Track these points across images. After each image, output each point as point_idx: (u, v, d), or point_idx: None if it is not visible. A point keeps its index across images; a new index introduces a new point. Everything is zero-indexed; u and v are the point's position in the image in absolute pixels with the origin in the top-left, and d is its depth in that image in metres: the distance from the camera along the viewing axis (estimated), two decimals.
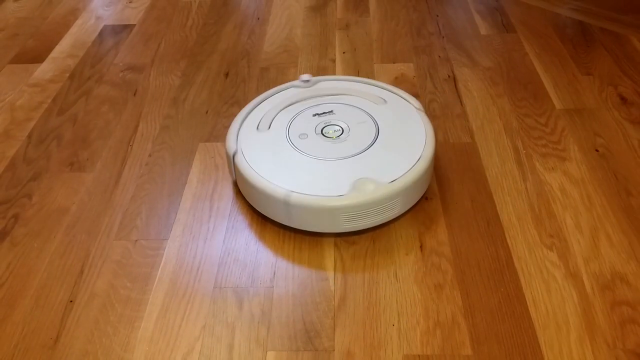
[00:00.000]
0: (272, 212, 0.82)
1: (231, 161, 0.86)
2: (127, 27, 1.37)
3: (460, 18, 1.35)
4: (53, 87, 1.17)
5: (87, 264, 0.80)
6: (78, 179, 0.94)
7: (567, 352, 0.67)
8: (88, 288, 0.77)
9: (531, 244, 0.80)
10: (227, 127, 1.04)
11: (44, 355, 0.69)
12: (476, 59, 1.20)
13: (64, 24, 1.40)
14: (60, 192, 0.92)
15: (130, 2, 1.49)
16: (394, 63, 1.19)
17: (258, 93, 1.11)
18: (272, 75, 1.17)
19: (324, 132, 0.89)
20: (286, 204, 0.79)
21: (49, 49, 1.30)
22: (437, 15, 1.36)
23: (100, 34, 1.35)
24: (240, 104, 1.09)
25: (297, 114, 0.92)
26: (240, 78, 1.17)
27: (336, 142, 0.87)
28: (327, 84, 1.00)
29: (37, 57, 1.27)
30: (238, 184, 0.87)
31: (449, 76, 1.15)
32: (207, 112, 1.08)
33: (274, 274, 0.78)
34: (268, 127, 0.90)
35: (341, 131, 0.89)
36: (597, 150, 0.95)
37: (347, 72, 1.17)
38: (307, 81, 0.98)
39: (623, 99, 1.06)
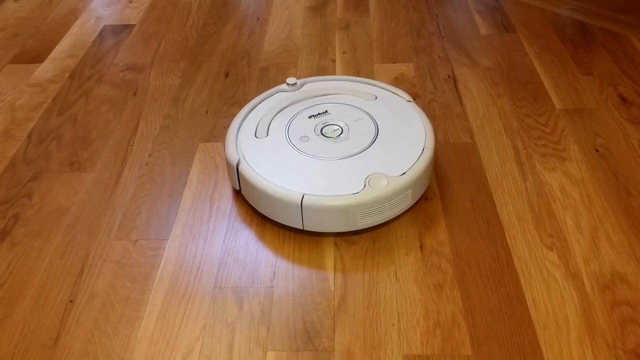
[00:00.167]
0: (287, 217, 0.82)
1: (234, 170, 0.86)
2: (127, 27, 1.37)
3: (460, 18, 1.35)
4: (53, 87, 1.17)
5: (87, 264, 0.80)
6: (78, 179, 0.94)
7: (567, 352, 0.67)
8: (88, 288, 0.77)
9: (531, 244, 0.80)
10: (227, 127, 1.04)
11: (44, 355, 0.69)
12: (476, 59, 1.20)
13: (64, 24, 1.40)
14: (60, 192, 0.92)
15: (130, 2, 1.49)
16: (394, 63, 1.19)
17: (258, 93, 1.11)
18: (272, 75, 1.17)
19: (323, 132, 0.89)
20: (301, 207, 0.79)
21: (49, 49, 1.30)
22: (437, 15, 1.36)
23: (100, 34, 1.35)
24: (240, 104, 1.09)
25: (293, 118, 0.92)
26: (240, 78, 1.17)
27: (338, 142, 0.87)
28: (314, 85, 1.00)
29: (37, 57, 1.27)
30: (244, 192, 0.87)
31: (449, 76, 1.15)
32: (207, 112, 1.08)
33: (274, 274, 0.78)
34: (266, 133, 0.90)
35: (340, 130, 0.89)
36: (597, 150, 0.95)
37: (347, 72, 1.18)
38: (294, 84, 0.98)
39: (623, 99, 1.06)
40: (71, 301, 0.75)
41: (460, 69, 1.17)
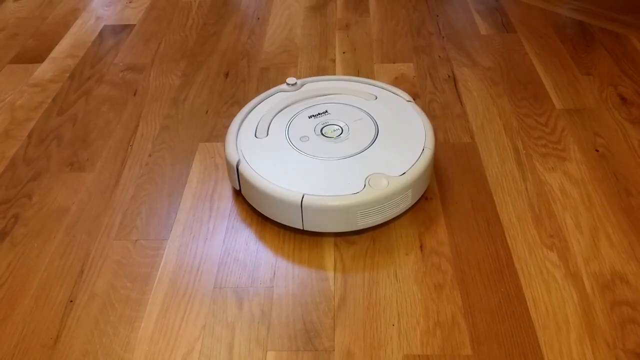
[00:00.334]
0: (287, 217, 0.81)
1: (234, 170, 0.86)
2: (127, 27, 1.37)
3: (460, 18, 1.35)
4: (53, 87, 1.17)
5: (87, 264, 0.80)
6: (78, 179, 0.94)
7: (567, 352, 0.67)
8: (88, 288, 0.77)
9: (531, 244, 0.80)
10: (227, 127, 1.04)
11: (44, 355, 0.69)
12: (476, 59, 1.20)
13: (64, 24, 1.40)
14: (60, 192, 0.92)
15: (130, 2, 1.49)
16: (394, 63, 1.19)
17: (258, 93, 1.11)
18: (272, 75, 1.17)
19: (323, 132, 0.89)
20: (301, 207, 0.79)
21: (49, 49, 1.30)
22: (437, 15, 1.36)
23: (100, 34, 1.35)
24: (240, 104, 1.09)
25: (293, 118, 0.92)
26: (240, 78, 1.17)
27: (338, 142, 0.87)
28: (314, 85, 1.00)
29: (37, 57, 1.27)
30: (244, 192, 0.87)
31: (449, 76, 1.15)
32: (207, 112, 1.08)
33: (274, 274, 0.78)
34: (266, 133, 0.90)
35: (340, 130, 0.89)
36: (597, 150, 0.95)
37: (347, 72, 1.18)
38: (294, 84, 0.98)
39: (623, 99, 1.06)
40: (71, 301, 0.75)
41: (460, 69, 1.17)
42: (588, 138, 0.98)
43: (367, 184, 0.79)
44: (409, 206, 0.84)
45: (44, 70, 1.23)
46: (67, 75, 1.21)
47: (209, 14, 1.41)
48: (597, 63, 1.16)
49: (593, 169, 0.91)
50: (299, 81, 1.00)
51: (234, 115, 1.06)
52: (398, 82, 1.13)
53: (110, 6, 1.47)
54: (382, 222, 0.82)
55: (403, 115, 0.92)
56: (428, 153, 0.84)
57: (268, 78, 1.17)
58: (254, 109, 0.95)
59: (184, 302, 0.75)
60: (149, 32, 1.35)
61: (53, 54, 1.28)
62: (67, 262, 0.81)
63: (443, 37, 1.28)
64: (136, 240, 0.83)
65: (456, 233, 0.82)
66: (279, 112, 0.94)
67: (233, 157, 0.86)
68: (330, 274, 0.77)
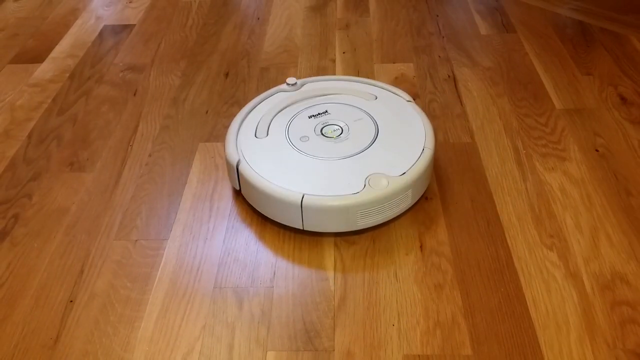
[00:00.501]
0: (287, 217, 0.81)
1: (234, 170, 0.86)
2: (127, 27, 1.37)
3: (460, 18, 1.35)
4: (53, 87, 1.17)
5: (87, 264, 0.80)
6: (78, 179, 0.94)
7: (567, 352, 0.67)
8: (88, 288, 0.77)
9: (531, 244, 0.80)
10: (227, 127, 1.04)
11: (44, 355, 0.69)
12: (476, 59, 1.20)
13: (64, 24, 1.40)
14: (60, 192, 0.92)
15: (130, 2, 1.49)
16: (394, 63, 1.19)
17: (258, 93, 1.11)
18: (272, 75, 1.17)
19: (323, 132, 0.89)
20: (301, 207, 0.79)
21: (49, 49, 1.30)
22: (437, 15, 1.36)
23: (100, 34, 1.35)
24: (240, 104, 1.09)
25: (293, 117, 0.92)
26: (240, 78, 1.17)
27: (337, 142, 0.87)
28: (314, 85, 1.00)
29: (37, 57, 1.27)
30: (244, 193, 0.87)
31: (449, 76, 1.15)
32: (207, 112, 1.08)
33: (274, 274, 0.78)
34: (266, 133, 0.90)
35: (340, 130, 0.89)
36: (597, 150, 0.95)
37: (347, 72, 1.18)
38: (294, 84, 0.98)
39: (623, 99, 1.06)
40: (71, 301, 0.75)
41: (460, 69, 1.17)
42: (588, 138, 0.98)
43: (367, 184, 0.79)
44: (409, 206, 0.84)
45: (44, 70, 1.23)
46: (67, 75, 1.21)
47: (209, 14, 1.41)
48: (597, 63, 1.16)
49: (593, 169, 0.91)
50: (299, 81, 1.00)
51: (234, 115, 1.06)
52: (398, 82, 1.13)
53: (110, 6, 1.47)
54: (382, 222, 0.82)
55: (403, 115, 0.92)
56: (428, 153, 0.84)
57: (268, 78, 1.17)
58: (254, 109, 0.95)
59: (184, 302, 0.75)
60: (149, 32, 1.35)
61: (53, 54, 1.28)
62: (67, 262, 0.81)
63: (443, 37, 1.28)
64: (136, 240, 0.83)
65: (456, 233, 0.82)
66: (279, 112, 0.94)
67: (233, 157, 0.86)
68: (330, 274, 0.77)
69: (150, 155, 0.99)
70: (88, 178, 0.94)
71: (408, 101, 0.94)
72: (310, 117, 0.92)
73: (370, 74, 1.16)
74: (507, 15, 1.35)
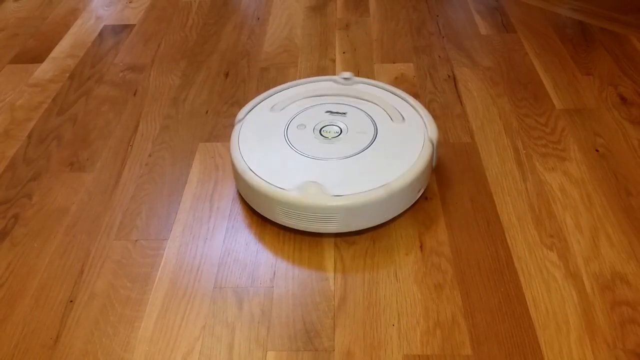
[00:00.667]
0: (239, 186, 0.87)
1: (236, 128, 0.92)
2: (127, 27, 1.37)
3: (460, 18, 1.35)
4: (53, 87, 1.17)
5: (87, 264, 0.80)
6: (78, 179, 0.94)
7: (567, 352, 0.67)
8: (88, 288, 0.77)
9: (531, 244, 0.80)
10: (227, 127, 1.04)
11: (44, 355, 0.69)
12: (476, 59, 1.20)
13: (64, 24, 1.40)
14: (60, 192, 0.92)
15: (130, 2, 1.49)
16: (394, 63, 1.19)
17: (258, 93, 1.11)
18: (272, 75, 1.17)
19: (323, 130, 0.89)
20: (242, 179, 0.83)
21: (49, 49, 1.30)
22: (437, 15, 1.36)
23: (100, 34, 1.35)
24: (240, 104, 1.09)
25: (313, 106, 0.94)
26: (240, 78, 1.17)
27: (325, 142, 0.87)
28: (363, 87, 0.99)
29: (37, 57, 1.27)
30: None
31: (449, 76, 1.15)
32: (207, 112, 1.08)
33: (274, 274, 0.78)
34: (281, 108, 0.93)
35: (339, 133, 0.89)
36: (597, 150, 0.95)
37: None
38: (348, 79, 0.99)
39: (623, 99, 1.06)
40: (71, 301, 0.75)
41: (460, 69, 1.17)
42: (588, 138, 0.98)
43: (299, 186, 0.79)
44: (332, 231, 0.80)
45: (44, 70, 1.23)
46: (67, 75, 1.21)
47: (209, 14, 1.41)
48: (597, 63, 1.16)
49: (593, 169, 0.91)
50: (354, 78, 1.00)
51: (234, 115, 1.06)
52: (398, 82, 1.13)
53: (110, 6, 1.47)
54: (305, 229, 0.81)
55: (408, 147, 0.86)
56: (379, 193, 0.79)
57: (268, 78, 1.17)
58: (298, 86, 0.99)
59: (184, 302, 0.75)
60: (149, 32, 1.35)
61: (53, 54, 1.28)
62: (67, 262, 0.81)
63: (443, 37, 1.28)
64: (136, 240, 0.83)
65: (456, 233, 0.82)
66: (310, 97, 0.96)
67: (240, 115, 0.93)
68: (330, 274, 0.77)
69: (150, 155, 0.99)
70: (88, 178, 0.94)
71: (429, 138, 0.87)
72: (327, 112, 0.93)
73: (370, 74, 1.16)
74: (507, 15, 1.35)
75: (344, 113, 0.92)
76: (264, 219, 0.85)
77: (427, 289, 0.75)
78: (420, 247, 0.80)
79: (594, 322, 0.70)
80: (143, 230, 0.85)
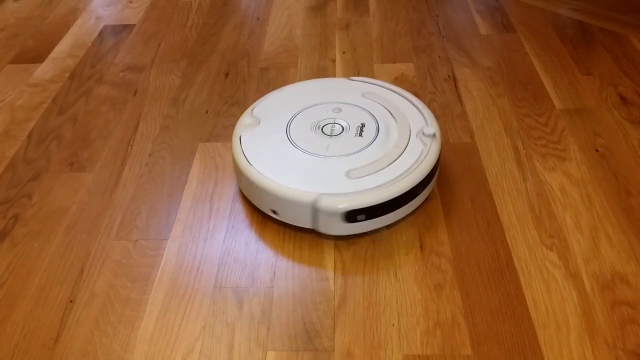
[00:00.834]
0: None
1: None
2: (127, 27, 1.37)
3: (460, 18, 1.35)
4: (53, 87, 1.17)
5: (87, 264, 0.80)
6: (78, 179, 0.94)
7: (567, 352, 0.67)
8: (88, 288, 0.77)
9: (531, 244, 0.80)
10: (227, 127, 1.04)
11: (44, 355, 0.69)
12: (476, 59, 1.20)
13: (64, 24, 1.40)
14: (60, 192, 0.92)
15: (130, 2, 1.49)
16: (394, 63, 1.19)
17: (258, 93, 1.12)
18: (272, 75, 1.17)
19: (325, 127, 0.89)
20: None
21: (49, 49, 1.30)
22: (437, 15, 1.36)
23: (100, 34, 1.35)
24: (240, 104, 1.09)
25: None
26: (240, 78, 1.17)
27: (320, 135, 0.88)
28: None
29: (37, 57, 1.27)
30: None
31: (449, 76, 1.15)
32: (207, 112, 1.08)
33: (274, 274, 0.78)
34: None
35: (340, 130, 0.89)
36: (597, 150, 0.95)
37: (347, 73, 1.18)
38: (432, 135, 0.88)
39: (623, 99, 1.06)
40: (71, 301, 0.75)
41: (460, 69, 1.17)
42: (588, 138, 0.98)
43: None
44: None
45: (44, 70, 1.23)
46: (67, 75, 1.21)
47: (209, 14, 1.41)
48: (597, 63, 1.16)
49: (593, 169, 0.91)
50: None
51: (234, 115, 1.06)
52: (398, 82, 1.13)
53: (110, 6, 1.47)
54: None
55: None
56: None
57: (268, 78, 1.17)
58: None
59: (184, 302, 0.75)
60: (149, 32, 1.35)
61: (53, 54, 1.28)
62: (67, 262, 0.81)
63: (443, 37, 1.28)
64: (136, 240, 0.83)
65: (456, 233, 0.82)
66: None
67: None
68: (330, 274, 0.77)
69: (150, 155, 0.99)
70: (88, 178, 0.94)
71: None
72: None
73: (371, 74, 1.16)
74: (507, 15, 1.35)
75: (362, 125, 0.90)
76: (264, 218, 0.85)
77: (427, 289, 0.75)
78: (420, 247, 0.80)
79: (594, 322, 0.70)
80: (143, 230, 0.85)
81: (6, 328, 0.72)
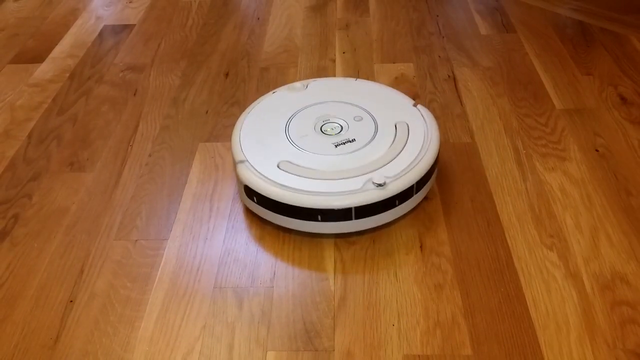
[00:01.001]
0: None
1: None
2: (127, 27, 1.37)
3: (460, 18, 1.35)
4: (53, 87, 1.17)
5: (87, 264, 0.80)
6: (78, 179, 0.94)
7: (567, 352, 0.67)
8: (88, 288, 0.77)
9: (531, 244, 0.80)
10: (227, 127, 1.04)
11: (44, 355, 0.69)
12: (476, 59, 1.20)
13: (64, 24, 1.40)
14: (60, 192, 0.92)
15: (130, 2, 1.49)
16: (394, 63, 1.19)
17: (258, 93, 1.12)
18: (272, 75, 1.17)
19: (324, 127, 0.89)
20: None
21: (49, 49, 1.30)
22: (437, 15, 1.36)
23: (100, 34, 1.35)
24: (240, 104, 1.09)
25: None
26: (240, 78, 1.17)
27: (316, 133, 0.88)
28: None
29: (37, 57, 1.27)
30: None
31: (449, 76, 1.15)
32: (207, 112, 1.08)
33: (274, 274, 0.78)
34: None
35: (339, 129, 0.89)
36: (597, 150, 0.95)
37: (347, 73, 1.18)
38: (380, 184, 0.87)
39: (623, 99, 1.06)
40: (71, 301, 0.75)
41: (460, 69, 1.17)
42: (588, 138, 0.98)
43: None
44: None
45: (44, 70, 1.23)
46: (67, 75, 1.21)
47: (209, 14, 1.41)
48: (597, 63, 1.16)
49: (593, 169, 0.91)
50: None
51: (234, 115, 1.06)
52: (398, 82, 1.13)
53: (110, 6, 1.47)
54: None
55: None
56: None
57: (268, 78, 1.17)
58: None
59: (184, 302, 0.75)
60: (149, 32, 1.35)
61: (53, 54, 1.28)
62: (67, 262, 0.81)
63: (443, 37, 1.28)
64: (136, 240, 0.83)
65: (456, 233, 0.82)
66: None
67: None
68: (330, 274, 0.77)
69: (150, 155, 0.99)
70: (88, 178, 0.94)
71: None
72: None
73: (370, 74, 1.16)
74: (507, 15, 1.35)
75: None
76: (264, 218, 0.85)
77: (427, 289, 0.75)
78: (420, 247, 0.80)
79: (594, 322, 0.70)
80: (143, 230, 0.85)
81: (6, 328, 0.72)
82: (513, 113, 1.04)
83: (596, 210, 0.84)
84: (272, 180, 0.80)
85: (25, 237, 0.85)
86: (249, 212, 0.87)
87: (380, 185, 0.78)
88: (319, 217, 0.79)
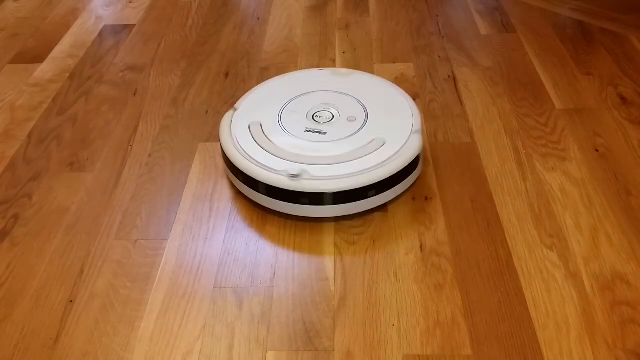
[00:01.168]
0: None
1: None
2: (127, 27, 1.37)
3: (460, 18, 1.35)
4: (53, 87, 1.17)
5: (87, 264, 0.80)
6: (78, 179, 0.94)
7: (567, 352, 0.67)
8: (88, 288, 0.77)
9: (531, 244, 0.80)
10: None
11: (44, 355, 0.69)
12: (476, 59, 1.20)
13: (64, 24, 1.40)
14: (60, 192, 0.92)
15: (130, 2, 1.49)
16: (394, 63, 1.19)
17: None
18: (272, 75, 1.17)
19: (317, 115, 0.92)
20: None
21: (49, 49, 1.30)
22: (437, 15, 1.36)
23: (100, 34, 1.35)
24: None
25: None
26: (240, 78, 1.17)
27: (306, 114, 0.92)
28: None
29: (37, 57, 1.27)
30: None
31: (449, 76, 1.15)
32: (207, 112, 1.08)
33: (274, 274, 0.78)
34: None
35: (330, 118, 0.92)
36: (597, 150, 0.95)
37: None
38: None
39: (623, 99, 1.06)
40: (71, 301, 0.75)
41: (460, 69, 1.17)
42: (588, 138, 0.98)
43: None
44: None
45: (44, 70, 1.23)
46: (67, 75, 1.21)
47: (209, 14, 1.41)
48: (597, 63, 1.16)
49: (593, 169, 0.91)
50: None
51: None
52: (398, 82, 1.13)
53: (110, 6, 1.47)
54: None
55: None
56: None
57: (268, 78, 1.17)
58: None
59: (184, 302, 0.75)
60: (149, 32, 1.35)
61: (53, 54, 1.28)
62: (67, 262, 0.81)
63: (443, 37, 1.28)
64: (136, 240, 0.83)
65: (456, 233, 0.82)
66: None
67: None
68: (331, 274, 0.77)
69: (150, 155, 0.99)
70: (88, 178, 0.94)
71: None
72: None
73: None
74: (507, 15, 1.35)
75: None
76: (264, 218, 0.85)
77: (427, 289, 0.75)
78: (420, 247, 0.80)
79: (594, 322, 0.70)
80: (143, 230, 0.85)
81: (6, 328, 0.72)
82: (513, 113, 1.04)
83: (596, 210, 0.84)
84: (233, 136, 0.89)
85: (25, 237, 0.85)
86: (249, 212, 0.87)
87: (293, 176, 0.82)
88: (244, 181, 0.86)
